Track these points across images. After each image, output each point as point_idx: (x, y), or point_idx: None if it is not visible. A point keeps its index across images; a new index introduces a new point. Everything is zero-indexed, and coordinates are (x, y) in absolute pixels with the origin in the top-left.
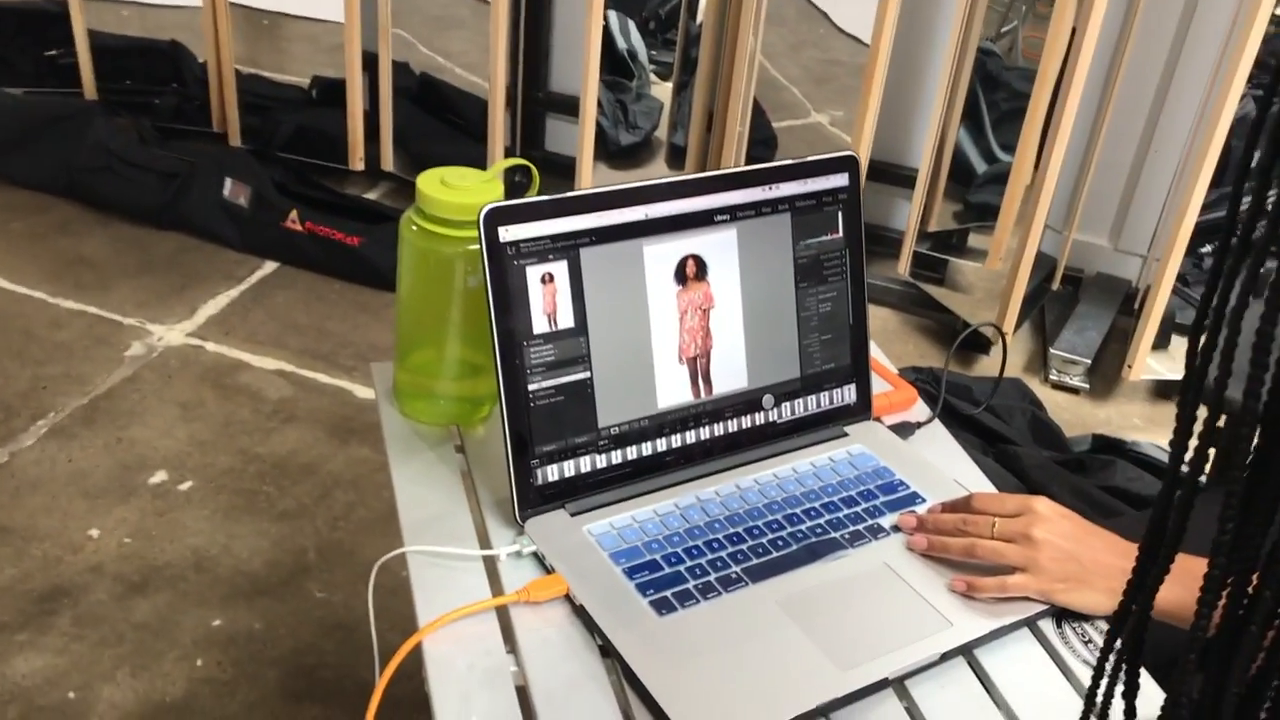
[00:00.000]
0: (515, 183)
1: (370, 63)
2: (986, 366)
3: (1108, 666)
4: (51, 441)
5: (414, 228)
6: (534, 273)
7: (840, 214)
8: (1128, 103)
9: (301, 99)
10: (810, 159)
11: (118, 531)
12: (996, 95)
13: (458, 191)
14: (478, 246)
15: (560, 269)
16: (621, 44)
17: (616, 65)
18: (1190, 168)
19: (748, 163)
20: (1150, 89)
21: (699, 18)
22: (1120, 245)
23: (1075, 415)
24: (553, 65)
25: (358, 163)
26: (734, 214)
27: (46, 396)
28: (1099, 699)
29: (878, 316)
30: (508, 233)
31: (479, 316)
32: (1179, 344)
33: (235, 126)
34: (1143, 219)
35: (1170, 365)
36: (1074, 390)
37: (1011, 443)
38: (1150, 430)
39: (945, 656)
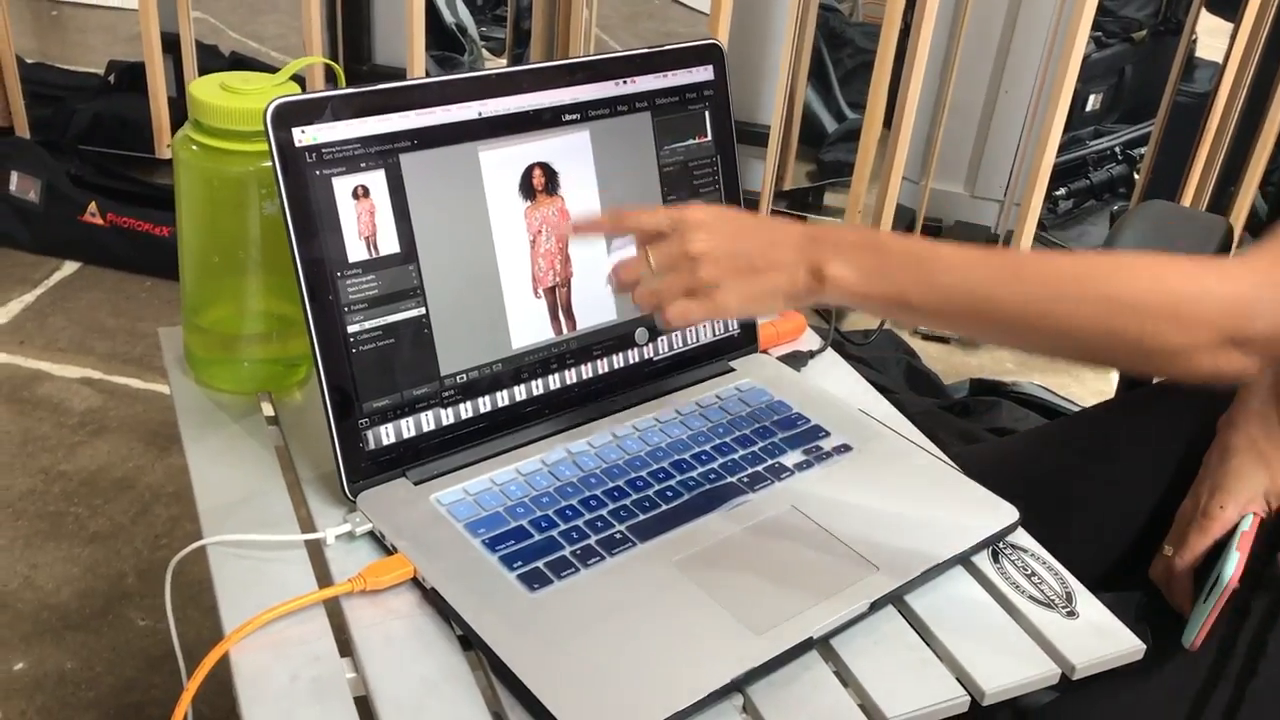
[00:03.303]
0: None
1: (173, 45)
2: (854, 321)
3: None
4: None
5: (193, 147)
6: (343, 185)
7: (707, 113)
8: (975, 46)
9: (98, 87)
10: (669, 46)
11: None
12: (842, 53)
13: (242, 95)
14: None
15: (377, 180)
16: (449, 18)
17: (446, 40)
18: (1043, 110)
19: None
20: (996, 30)
21: None
22: (977, 192)
23: (948, 364)
24: (376, 39)
25: (165, 149)
26: (585, 113)
27: None
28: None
29: None
30: (305, 135)
31: (283, 251)
32: None
33: (21, 118)
34: (998, 165)
35: None
36: (944, 339)
37: (891, 391)
38: (1022, 372)
39: (874, 606)
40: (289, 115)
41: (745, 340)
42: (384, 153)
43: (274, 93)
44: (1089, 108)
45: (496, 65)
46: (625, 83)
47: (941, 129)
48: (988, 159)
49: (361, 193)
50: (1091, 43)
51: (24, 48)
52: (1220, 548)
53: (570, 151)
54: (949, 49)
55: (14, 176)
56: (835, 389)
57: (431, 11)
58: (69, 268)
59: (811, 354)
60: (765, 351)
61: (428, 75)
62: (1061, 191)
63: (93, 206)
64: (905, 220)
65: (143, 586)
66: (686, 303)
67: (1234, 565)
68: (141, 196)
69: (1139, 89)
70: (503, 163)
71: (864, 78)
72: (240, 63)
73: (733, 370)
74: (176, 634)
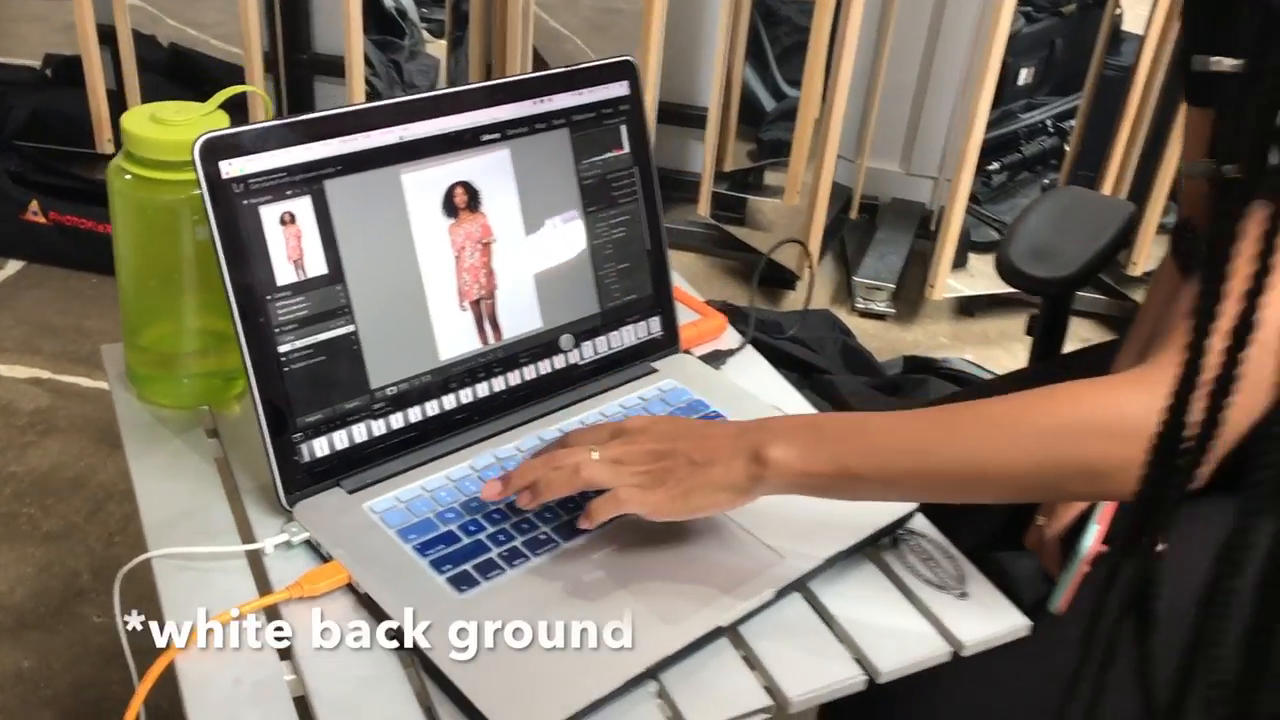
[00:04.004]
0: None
1: (109, 36)
2: (794, 301)
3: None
4: None
5: (126, 176)
6: (270, 213)
7: (624, 127)
8: (906, 24)
9: (35, 80)
10: (583, 65)
11: None
12: (778, 30)
13: (172, 127)
14: None
15: (303, 206)
16: (390, 1)
17: (386, 24)
18: (971, 87)
19: None
20: (928, 7)
21: None
22: (911, 170)
23: (884, 341)
24: (315, 25)
25: (105, 144)
26: (504, 132)
27: None
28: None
29: (682, 260)
30: (232, 167)
31: (215, 273)
32: (977, 261)
33: None
34: (930, 141)
35: (969, 282)
36: (880, 316)
37: (825, 372)
38: (956, 347)
39: (780, 594)
40: (216, 149)
41: (667, 342)
42: (309, 180)
43: (203, 124)
44: (1020, 81)
45: (437, 48)
46: (542, 101)
47: (876, 107)
48: (921, 136)
49: (288, 219)
50: (1021, 17)
51: None
52: (1086, 518)
53: (491, 170)
54: (881, 26)
55: None
56: (752, 385)
57: None
58: (12, 267)
59: (731, 352)
60: (688, 351)
61: (367, 62)
62: (995, 165)
63: (34, 205)
64: (842, 199)
65: (97, 584)
66: (628, 491)
67: (1092, 537)
68: (84, 193)
69: (1069, 62)
70: (425, 184)
71: (801, 55)
72: (179, 54)
73: (655, 371)
74: (126, 640)
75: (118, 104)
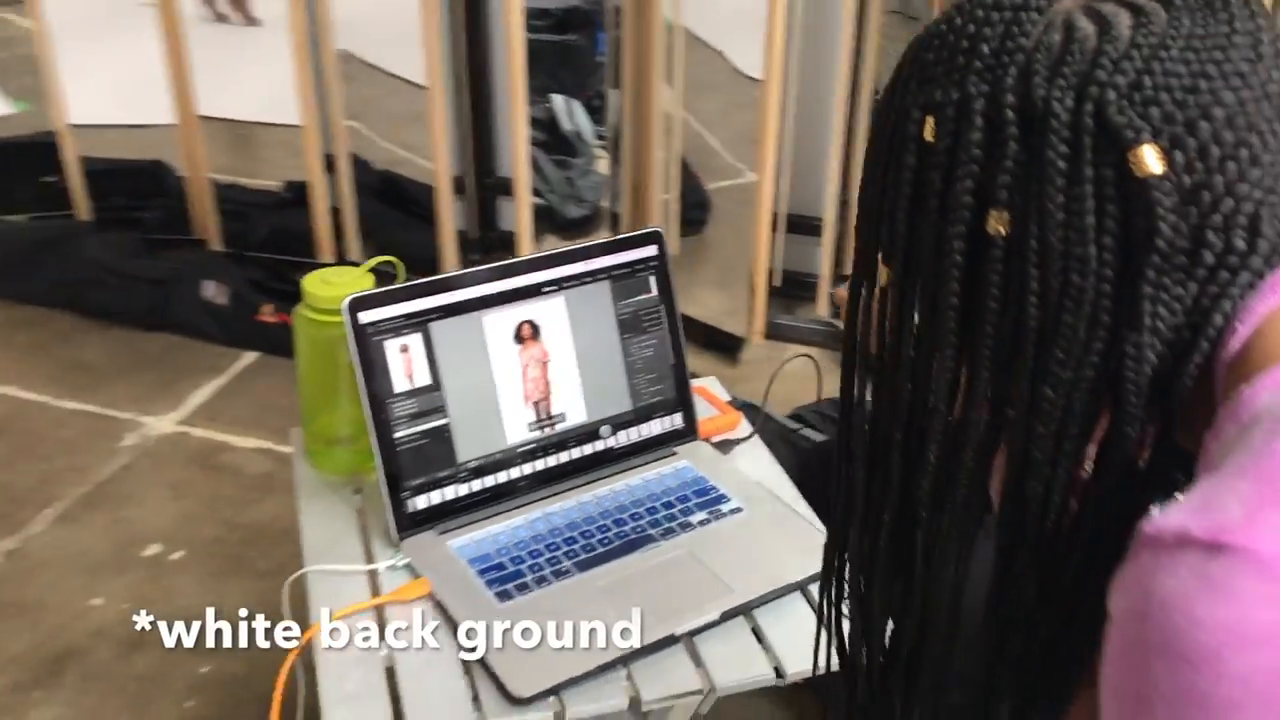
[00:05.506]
0: (387, 274)
1: (334, 163)
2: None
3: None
4: (58, 526)
5: (304, 318)
6: (392, 345)
7: (653, 277)
8: None
9: (274, 202)
10: (619, 237)
11: (117, 599)
12: None
13: (334, 286)
14: None
15: (415, 340)
16: (567, 125)
17: (564, 145)
18: None
19: (682, 225)
20: None
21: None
22: None
23: None
24: (499, 151)
25: (326, 256)
26: (560, 285)
27: (53, 488)
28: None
29: (807, 356)
30: (368, 315)
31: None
32: None
33: (215, 232)
34: None
35: None
36: None
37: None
38: None
39: (724, 616)
40: (358, 303)
41: (687, 432)
42: (419, 323)
43: (354, 286)
44: None
45: (604, 162)
46: (588, 263)
47: None
48: None
49: (404, 349)
50: None
51: (218, 165)
52: None
53: (550, 311)
54: None
55: (208, 285)
56: (750, 468)
57: (549, 119)
58: (249, 357)
59: (738, 441)
60: (707, 439)
61: (545, 179)
62: None
63: (268, 307)
64: None
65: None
66: None
67: None
68: None
69: None
70: (500, 322)
71: None
72: (387, 179)
73: (675, 454)
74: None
75: (337, 222)
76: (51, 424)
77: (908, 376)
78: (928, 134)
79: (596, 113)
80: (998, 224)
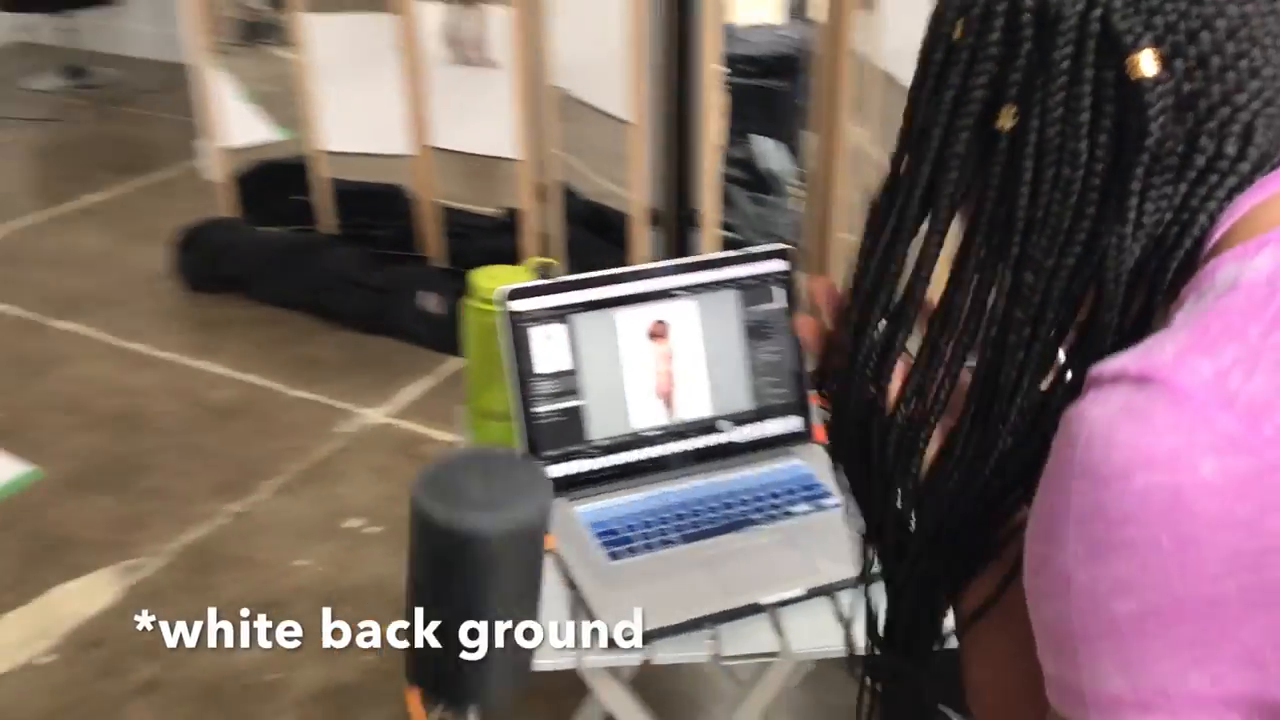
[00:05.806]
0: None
1: (545, 192)
2: None
3: None
4: (278, 496)
5: (471, 307)
6: (538, 332)
7: (782, 289)
8: None
9: (493, 225)
10: (749, 251)
11: (319, 562)
12: None
13: (495, 280)
14: None
15: (558, 330)
16: (765, 164)
17: (761, 183)
18: None
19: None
20: None
21: None
22: None
23: None
24: (694, 188)
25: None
26: (692, 290)
27: (277, 463)
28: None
29: None
30: (517, 305)
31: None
32: None
33: (437, 249)
34: None
35: None
36: None
37: None
38: None
39: (810, 593)
40: (512, 295)
41: (805, 436)
42: (562, 314)
43: (510, 279)
44: None
45: (799, 198)
46: (720, 271)
47: None
48: None
49: (546, 336)
50: None
51: (450, 192)
52: None
53: (681, 312)
54: None
55: (428, 296)
56: None
57: (747, 158)
58: (457, 363)
59: None
60: (820, 441)
61: (741, 214)
62: None
63: None
64: None
65: None
66: None
67: None
68: None
69: None
70: (633, 318)
71: None
72: (592, 208)
73: (790, 454)
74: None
75: (546, 248)
76: (282, 409)
77: (891, 258)
78: (957, 34)
79: (797, 154)
80: (1006, 118)
